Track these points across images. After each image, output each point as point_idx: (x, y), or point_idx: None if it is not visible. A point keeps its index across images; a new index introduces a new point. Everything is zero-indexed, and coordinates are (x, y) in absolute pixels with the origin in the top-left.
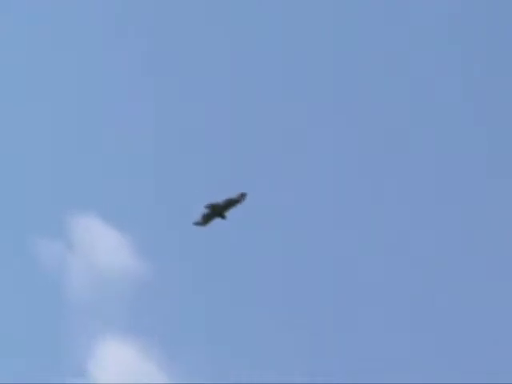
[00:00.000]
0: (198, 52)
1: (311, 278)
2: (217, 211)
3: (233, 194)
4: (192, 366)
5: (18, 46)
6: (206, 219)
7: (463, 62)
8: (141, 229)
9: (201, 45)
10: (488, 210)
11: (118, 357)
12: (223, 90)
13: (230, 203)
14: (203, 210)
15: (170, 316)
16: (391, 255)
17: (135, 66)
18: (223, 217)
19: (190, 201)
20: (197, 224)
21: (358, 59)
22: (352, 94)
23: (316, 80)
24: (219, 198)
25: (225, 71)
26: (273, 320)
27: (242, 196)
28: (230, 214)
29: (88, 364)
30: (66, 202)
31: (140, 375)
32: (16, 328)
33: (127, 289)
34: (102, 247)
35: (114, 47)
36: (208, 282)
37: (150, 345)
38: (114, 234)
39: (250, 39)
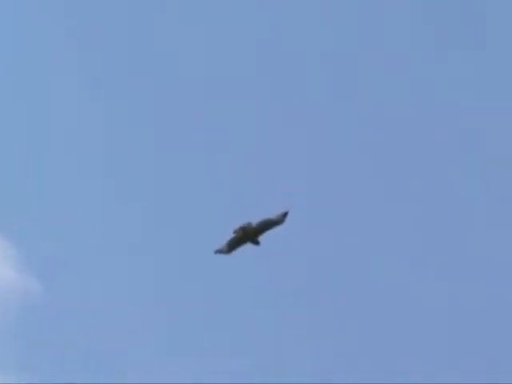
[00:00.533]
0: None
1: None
2: (249, 236)
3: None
4: None
5: None
6: (233, 246)
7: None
8: (31, 236)
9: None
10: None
11: None
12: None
13: (267, 225)
14: (229, 235)
15: (63, 349)
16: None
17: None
18: (256, 242)
19: (96, 207)
20: (219, 252)
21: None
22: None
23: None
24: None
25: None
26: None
27: (284, 216)
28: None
29: None
30: None
31: None
32: None
33: (9, 311)
34: None
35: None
36: (111, 305)
37: None
38: None
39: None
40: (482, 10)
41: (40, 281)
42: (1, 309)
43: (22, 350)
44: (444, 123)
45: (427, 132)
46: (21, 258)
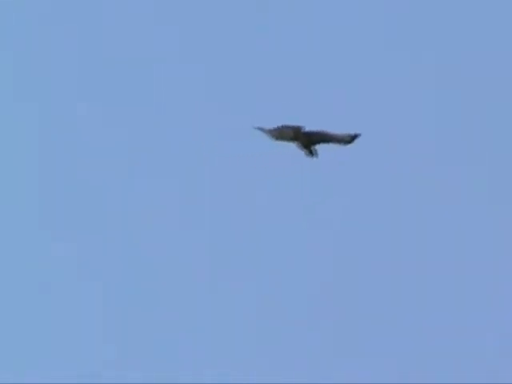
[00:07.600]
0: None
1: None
2: (300, 140)
3: None
4: None
5: None
6: (280, 137)
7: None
8: None
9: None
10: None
11: None
12: None
13: (325, 139)
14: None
15: None
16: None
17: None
18: (311, 151)
19: None
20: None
21: None
22: None
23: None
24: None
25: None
26: None
27: (352, 138)
28: None
29: None
30: None
31: None
32: None
33: None
34: None
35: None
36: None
37: None
38: None
39: None
40: None
41: None
42: None
43: None
44: None
45: None
46: None
